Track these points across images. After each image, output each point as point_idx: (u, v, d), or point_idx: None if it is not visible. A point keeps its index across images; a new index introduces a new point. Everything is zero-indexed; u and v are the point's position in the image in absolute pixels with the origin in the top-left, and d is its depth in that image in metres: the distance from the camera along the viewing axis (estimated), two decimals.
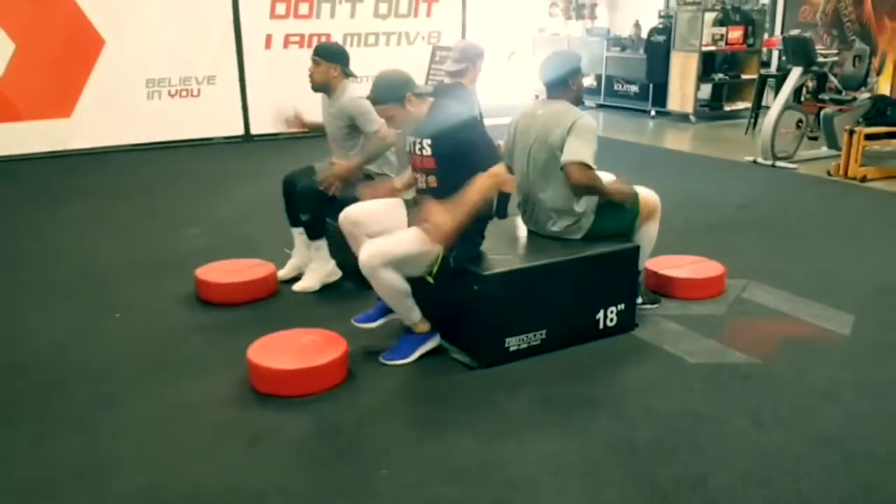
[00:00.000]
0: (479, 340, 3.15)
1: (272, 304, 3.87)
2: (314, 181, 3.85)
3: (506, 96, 9.64)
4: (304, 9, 8.45)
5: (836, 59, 7.97)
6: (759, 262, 4.39)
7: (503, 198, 3.95)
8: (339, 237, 3.90)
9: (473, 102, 4.18)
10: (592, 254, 3.33)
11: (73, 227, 5.32)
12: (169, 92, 7.99)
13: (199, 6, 7.90)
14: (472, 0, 9.68)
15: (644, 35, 10.53)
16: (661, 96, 10.17)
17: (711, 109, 10.21)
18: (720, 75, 10.08)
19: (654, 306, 3.71)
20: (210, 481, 2.40)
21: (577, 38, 11.80)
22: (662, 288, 3.86)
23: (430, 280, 3.07)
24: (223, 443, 2.62)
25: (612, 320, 3.38)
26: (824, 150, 7.33)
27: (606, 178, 3.49)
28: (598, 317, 3.35)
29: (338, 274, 4.03)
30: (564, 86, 3.42)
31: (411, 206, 3.32)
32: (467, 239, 3.11)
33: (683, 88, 9.85)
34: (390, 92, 3.07)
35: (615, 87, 10.96)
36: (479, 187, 2.98)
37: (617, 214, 3.44)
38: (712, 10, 9.82)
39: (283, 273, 4.06)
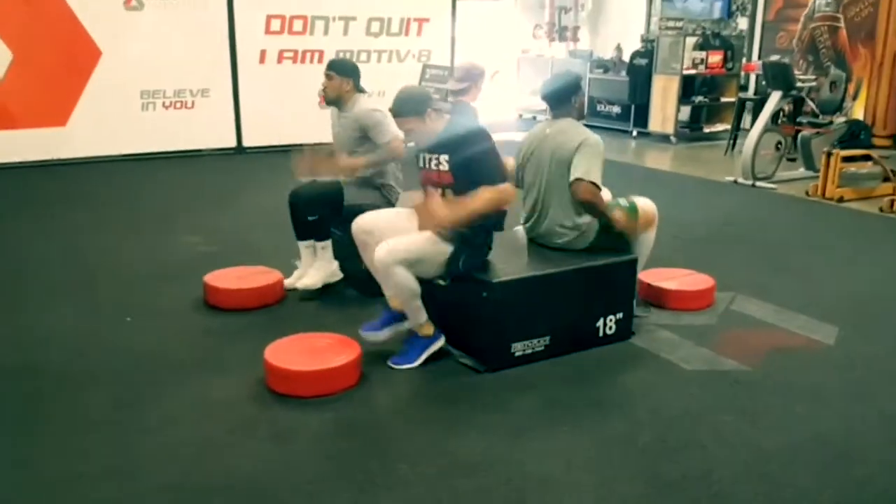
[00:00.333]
0: (486, 345, 3.29)
1: (279, 310, 3.98)
2: (321, 185, 3.98)
3: (489, 115, 9.82)
4: (298, 25, 8.60)
5: (813, 83, 8.29)
6: (744, 276, 4.58)
7: (503, 212, 4.11)
8: (343, 245, 4.05)
9: (476, 119, 4.35)
10: (594, 264, 3.49)
11: (72, 234, 5.37)
12: (163, 103, 8.08)
13: (196, 21, 8.02)
14: (461, 21, 9.90)
15: (625, 58, 10.83)
16: (642, 117, 10.45)
17: (691, 131, 10.51)
18: (700, 98, 10.39)
19: (646, 314, 3.87)
20: (241, 474, 2.50)
21: (561, 59, 12.08)
22: (655, 298, 4.03)
23: (443, 283, 3.22)
24: (250, 438, 2.73)
25: (611, 328, 3.55)
26: (801, 171, 7.62)
27: (605, 195, 3.66)
28: (598, 325, 3.51)
29: (339, 275, 4.14)
30: (568, 104, 3.61)
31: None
32: (477, 247, 3.26)
33: (664, 110, 10.14)
34: (412, 106, 3.22)
35: (598, 108, 11.24)
36: (484, 198, 3.13)
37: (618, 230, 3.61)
38: (693, 34, 10.16)
39: (289, 282, 4.16)
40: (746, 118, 9.45)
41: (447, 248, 3.17)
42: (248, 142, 8.55)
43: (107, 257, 4.86)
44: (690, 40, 10.01)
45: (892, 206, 6.22)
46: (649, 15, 11.99)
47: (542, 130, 3.65)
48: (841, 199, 6.60)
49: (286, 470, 2.52)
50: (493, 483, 2.46)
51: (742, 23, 10.88)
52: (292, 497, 2.39)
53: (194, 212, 6.03)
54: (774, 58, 8.02)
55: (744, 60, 10.43)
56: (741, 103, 9.36)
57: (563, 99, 3.62)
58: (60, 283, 4.35)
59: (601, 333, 3.52)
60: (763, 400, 3.07)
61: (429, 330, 3.33)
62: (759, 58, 10.06)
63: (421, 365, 3.29)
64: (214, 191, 6.84)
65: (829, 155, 6.66)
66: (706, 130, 10.56)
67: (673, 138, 10.09)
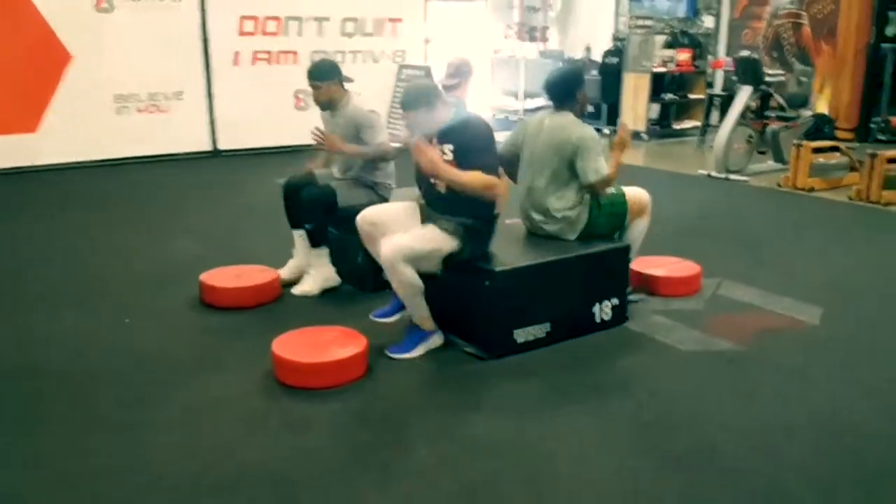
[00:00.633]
0: (489, 333, 3.36)
1: (276, 307, 3.99)
2: (319, 188, 4.01)
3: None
4: (272, 26, 8.57)
5: (781, 79, 8.53)
6: (726, 263, 4.71)
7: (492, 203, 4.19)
8: (340, 244, 4.08)
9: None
10: (590, 251, 3.59)
11: (56, 239, 5.31)
12: (137, 108, 8.00)
13: (168, 23, 7.94)
14: (433, 21, 9.97)
15: (595, 58, 10.98)
16: (614, 115, 10.63)
17: (662, 127, 10.71)
18: (669, 95, 10.60)
19: (638, 300, 3.97)
20: (258, 465, 2.53)
21: (532, 59, 12.22)
22: (645, 285, 4.13)
23: (438, 273, 3.29)
24: (263, 429, 2.75)
25: (607, 314, 3.64)
26: (770, 163, 7.83)
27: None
28: (594, 310, 3.60)
29: (337, 280, 4.17)
30: (572, 98, 3.66)
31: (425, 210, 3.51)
32: (480, 237, 3.33)
33: (635, 108, 10.31)
34: (424, 99, 3.29)
35: None
36: (476, 177, 3.19)
37: (608, 216, 3.71)
38: (662, 33, 10.35)
39: (285, 273, 4.18)
40: (714, 114, 9.67)
41: (453, 243, 3.24)
42: (223, 145, 8.49)
43: (101, 260, 4.82)
44: (660, 38, 10.21)
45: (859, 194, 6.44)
46: (617, 14, 12.19)
47: (541, 121, 3.70)
48: (811, 189, 6.81)
49: (305, 459, 2.55)
50: (509, 464, 2.52)
51: (708, 21, 11.13)
52: (315, 486, 2.42)
53: (177, 214, 5.99)
54: (746, 53, 8.21)
55: (710, 58, 10.66)
56: (710, 100, 9.57)
57: (566, 92, 3.66)
58: (53, 287, 4.31)
59: (598, 319, 3.61)
60: (755, 378, 3.19)
61: (429, 325, 3.39)
62: (727, 54, 10.29)
63: (424, 356, 3.34)
64: (193, 194, 6.80)
65: (798, 147, 6.87)
66: (676, 127, 10.76)
67: (644, 135, 10.26)
